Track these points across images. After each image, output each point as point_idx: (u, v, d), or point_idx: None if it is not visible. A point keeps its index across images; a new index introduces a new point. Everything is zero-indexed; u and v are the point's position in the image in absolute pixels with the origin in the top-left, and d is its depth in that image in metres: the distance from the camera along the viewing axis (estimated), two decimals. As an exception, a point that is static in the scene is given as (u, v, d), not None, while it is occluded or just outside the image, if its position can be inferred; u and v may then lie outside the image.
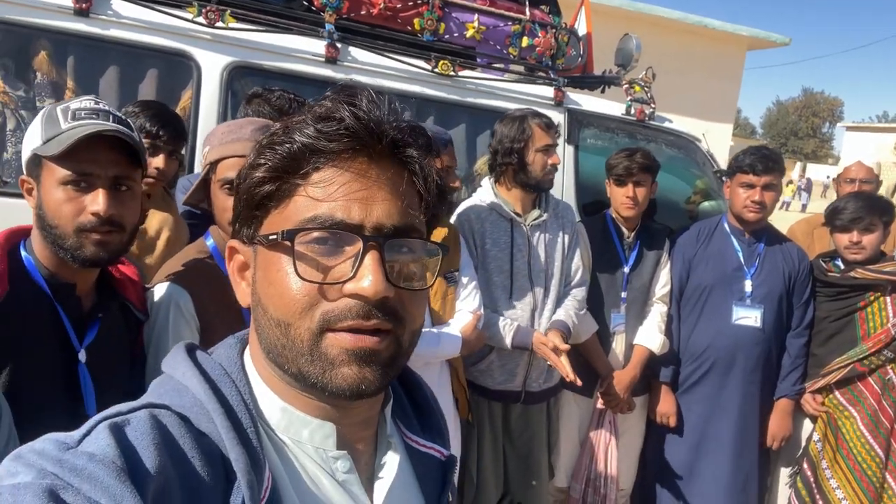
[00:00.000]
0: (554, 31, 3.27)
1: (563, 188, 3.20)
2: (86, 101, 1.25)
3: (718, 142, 11.45)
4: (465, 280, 2.42)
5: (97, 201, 1.20)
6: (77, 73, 2.50)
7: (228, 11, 2.65)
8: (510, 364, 2.67)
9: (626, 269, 2.92)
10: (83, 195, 1.21)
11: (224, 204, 1.55)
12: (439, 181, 0.71)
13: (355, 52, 2.87)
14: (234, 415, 0.63)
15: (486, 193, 2.71)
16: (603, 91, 3.82)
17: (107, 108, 1.26)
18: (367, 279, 0.61)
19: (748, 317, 2.89)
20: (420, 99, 2.98)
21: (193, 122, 2.60)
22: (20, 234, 1.29)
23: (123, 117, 1.28)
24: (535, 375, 2.73)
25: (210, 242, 1.64)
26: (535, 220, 2.69)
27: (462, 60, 3.07)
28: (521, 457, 2.73)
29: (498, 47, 3.21)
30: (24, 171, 1.27)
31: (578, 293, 2.79)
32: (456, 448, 2.49)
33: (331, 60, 2.80)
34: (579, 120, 3.30)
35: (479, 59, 3.26)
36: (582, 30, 3.86)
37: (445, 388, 2.39)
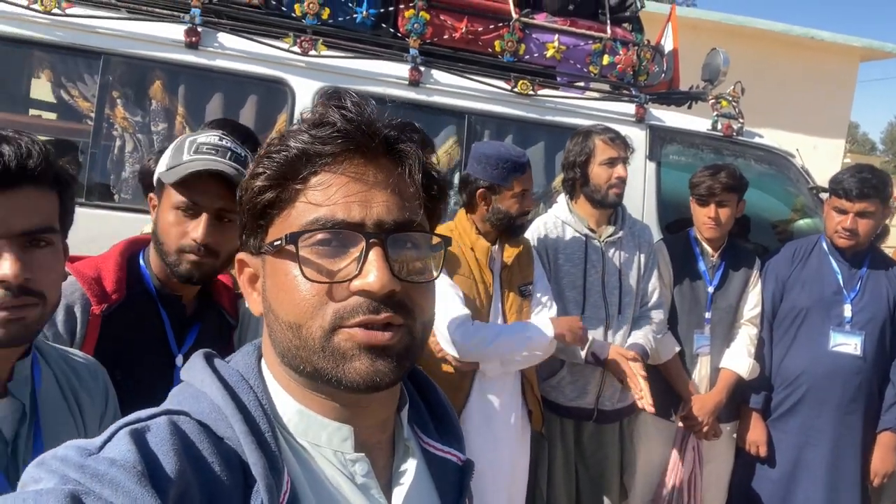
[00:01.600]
0: (636, 48, 3.25)
1: (644, 206, 3.16)
2: (212, 136, 1.37)
3: (829, 158, 10.75)
4: (539, 294, 2.44)
5: (198, 229, 1.31)
6: (186, 101, 2.77)
7: (321, 40, 2.85)
8: (582, 380, 2.65)
9: (711, 289, 2.83)
10: (189, 221, 1.33)
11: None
12: (437, 175, 0.72)
13: (437, 74, 2.99)
14: (252, 419, 0.64)
15: (560, 209, 2.73)
16: (689, 107, 3.74)
17: (229, 144, 1.37)
18: (373, 275, 0.62)
19: (847, 343, 2.72)
20: (499, 118, 3.05)
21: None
22: (140, 244, 1.44)
23: (243, 154, 1.39)
24: (609, 394, 2.69)
25: None
26: (609, 236, 2.68)
27: (541, 80, 3.12)
28: (593, 477, 2.69)
29: (578, 66, 3.24)
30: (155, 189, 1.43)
31: (656, 315, 2.74)
32: (525, 460, 2.49)
33: (414, 83, 2.93)
34: (661, 136, 3.25)
35: (559, 78, 3.30)
36: (669, 46, 3.81)
37: (517, 398, 2.41)
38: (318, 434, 0.68)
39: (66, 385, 1.09)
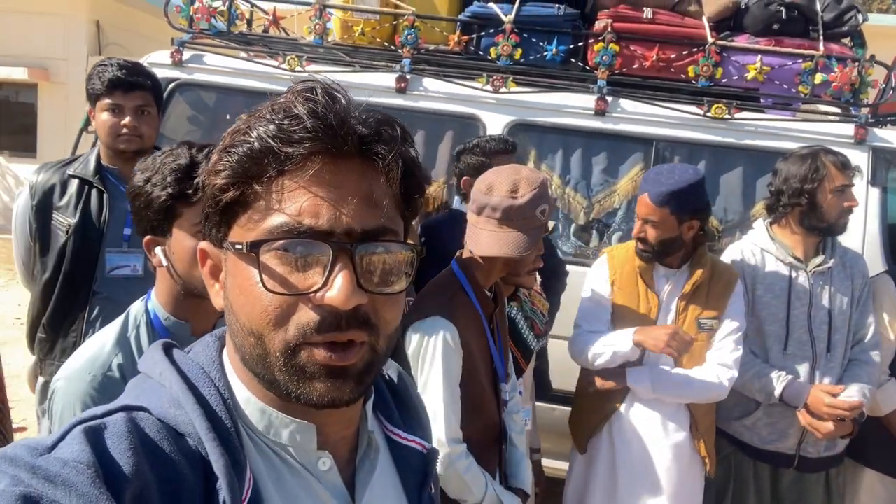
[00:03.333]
0: (856, 64, 2.95)
1: (866, 236, 2.80)
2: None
3: None
4: (724, 332, 2.27)
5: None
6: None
7: (511, 78, 3.07)
8: (781, 423, 2.40)
9: None
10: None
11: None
12: (417, 174, 0.67)
13: (624, 103, 3.03)
14: (215, 415, 0.62)
15: (759, 236, 2.56)
16: (937, 127, 3.25)
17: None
18: (338, 288, 0.58)
19: None
20: (690, 143, 2.98)
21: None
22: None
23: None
24: (814, 439, 2.40)
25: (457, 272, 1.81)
26: (817, 266, 2.44)
27: (739, 102, 2.98)
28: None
29: (786, 86, 3.03)
30: None
31: (874, 356, 2.40)
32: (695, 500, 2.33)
33: (600, 112, 3.00)
34: (888, 159, 2.88)
35: (763, 101, 3.11)
36: (910, 61, 3.38)
37: (679, 436, 2.28)
38: (279, 432, 0.66)
39: None
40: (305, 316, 0.60)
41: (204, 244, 0.69)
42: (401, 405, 0.82)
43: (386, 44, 3.26)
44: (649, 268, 2.29)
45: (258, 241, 0.60)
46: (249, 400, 0.66)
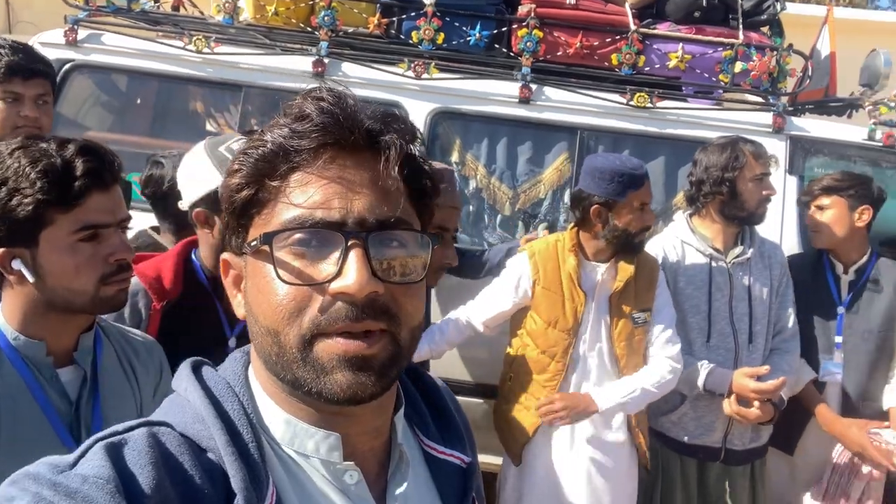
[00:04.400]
0: (774, 53, 2.97)
1: (783, 224, 2.84)
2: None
3: None
4: (660, 326, 2.27)
5: None
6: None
7: (433, 64, 2.96)
8: (707, 417, 2.42)
9: (841, 310, 2.50)
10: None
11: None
12: (426, 167, 0.68)
13: (548, 90, 2.96)
14: (235, 429, 0.62)
15: (680, 228, 2.55)
16: (850, 116, 3.33)
17: None
18: (351, 276, 0.59)
19: None
20: (614, 132, 2.95)
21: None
22: (192, 244, 1.60)
23: None
24: (739, 432, 2.43)
25: None
26: (737, 257, 2.45)
27: (661, 91, 2.96)
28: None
29: (706, 75, 3.03)
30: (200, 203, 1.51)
31: (794, 346, 2.45)
32: (632, 497, 2.32)
33: (524, 101, 2.93)
34: (804, 148, 2.92)
35: (684, 89, 3.11)
36: (825, 50, 3.44)
37: (625, 438, 2.28)
38: (304, 443, 0.65)
39: (123, 357, 1.24)
40: (320, 307, 0.60)
41: (225, 255, 0.70)
42: (438, 419, 0.80)
43: (302, 25, 3.09)
44: (577, 265, 2.22)
45: (270, 232, 0.61)
46: (274, 411, 0.66)
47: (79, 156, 1.10)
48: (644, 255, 2.31)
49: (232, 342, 1.50)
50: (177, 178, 1.59)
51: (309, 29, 3.05)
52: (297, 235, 0.60)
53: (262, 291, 0.62)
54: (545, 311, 2.21)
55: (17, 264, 1.08)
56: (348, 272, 0.59)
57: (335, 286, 0.59)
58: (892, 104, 2.92)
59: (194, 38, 2.95)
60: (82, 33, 3.02)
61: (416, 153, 0.66)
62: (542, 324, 2.22)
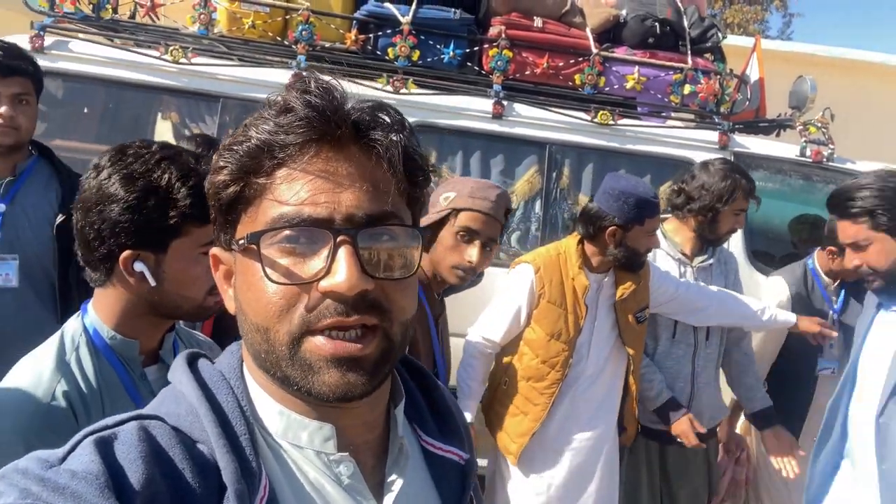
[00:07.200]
0: (718, 77, 3.29)
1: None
2: None
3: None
4: (703, 289, 2.49)
5: None
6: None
7: (411, 80, 3.08)
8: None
9: (834, 315, 2.77)
10: None
11: (453, 245, 1.81)
12: (416, 157, 0.65)
13: (519, 107, 3.15)
14: (228, 421, 0.61)
15: None
16: (778, 135, 3.71)
17: None
18: (341, 273, 0.57)
19: None
20: (579, 147, 3.16)
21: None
22: None
23: None
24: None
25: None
26: (701, 262, 2.67)
27: (621, 110, 3.21)
28: (678, 501, 2.65)
29: (659, 96, 3.31)
30: None
31: (745, 345, 2.72)
32: (615, 481, 2.48)
33: (497, 116, 3.10)
34: (746, 163, 3.24)
35: (639, 108, 3.38)
36: (755, 76, 3.82)
37: (612, 412, 2.42)
38: (298, 434, 0.64)
39: None
40: (310, 305, 0.59)
41: (215, 249, 0.68)
42: (436, 414, 0.79)
43: (278, 38, 3.14)
44: (584, 277, 2.29)
45: (257, 232, 0.59)
46: (268, 403, 0.65)
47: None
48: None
49: None
50: None
51: (286, 42, 3.11)
52: (285, 233, 0.59)
53: (251, 289, 0.61)
54: (548, 324, 2.28)
55: (139, 266, 1.09)
56: (338, 270, 0.58)
57: (325, 284, 0.58)
58: (819, 125, 3.29)
59: (171, 48, 2.95)
60: (49, 40, 2.95)
61: (406, 143, 0.63)
62: (543, 335, 2.29)
